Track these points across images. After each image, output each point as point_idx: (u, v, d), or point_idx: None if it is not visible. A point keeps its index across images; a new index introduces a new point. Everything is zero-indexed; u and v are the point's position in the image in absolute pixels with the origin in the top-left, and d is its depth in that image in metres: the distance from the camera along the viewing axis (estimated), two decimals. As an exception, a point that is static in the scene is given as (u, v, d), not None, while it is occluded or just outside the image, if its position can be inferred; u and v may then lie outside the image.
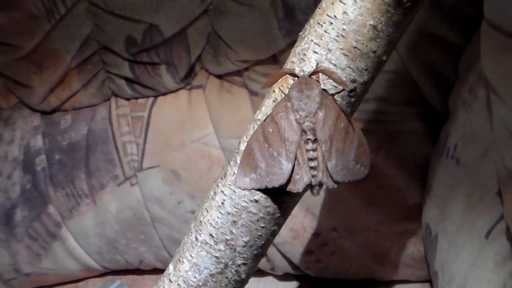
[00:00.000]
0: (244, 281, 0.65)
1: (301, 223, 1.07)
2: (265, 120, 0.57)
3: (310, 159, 0.55)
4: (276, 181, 0.56)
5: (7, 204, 1.25)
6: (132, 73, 1.16)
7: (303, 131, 0.55)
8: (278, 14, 0.98)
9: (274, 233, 0.63)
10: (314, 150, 0.55)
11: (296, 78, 0.55)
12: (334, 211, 1.05)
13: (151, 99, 1.19)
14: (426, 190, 0.98)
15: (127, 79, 1.18)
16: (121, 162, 1.20)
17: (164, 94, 1.18)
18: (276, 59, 1.03)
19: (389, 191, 1.02)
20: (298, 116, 0.54)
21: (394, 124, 0.98)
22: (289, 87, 0.56)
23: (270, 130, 0.56)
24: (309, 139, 0.54)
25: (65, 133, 1.25)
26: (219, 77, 1.12)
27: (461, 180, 0.84)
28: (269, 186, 0.57)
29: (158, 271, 1.28)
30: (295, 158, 0.55)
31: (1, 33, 1.14)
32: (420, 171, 1.01)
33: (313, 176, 0.55)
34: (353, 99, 0.58)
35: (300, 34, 0.59)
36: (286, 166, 0.55)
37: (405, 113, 0.98)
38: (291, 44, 0.99)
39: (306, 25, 0.58)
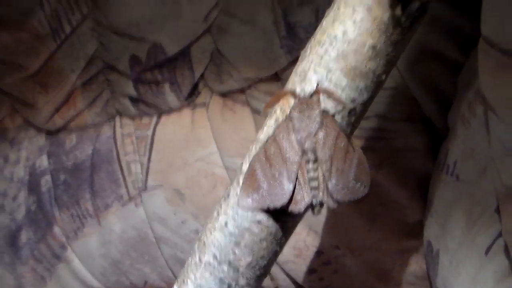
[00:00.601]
0: (247, 301, 0.66)
1: (304, 242, 1.07)
2: (267, 140, 0.57)
3: (311, 179, 0.55)
4: (278, 202, 0.56)
5: (12, 225, 1.26)
6: (136, 92, 1.17)
7: (304, 152, 0.55)
8: (280, 32, 0.99)
9: (276, 253, 0.63)
10: (315, 170, 0.55)
11: (297, 99, 0.55)
12: (336, 229, 1.06)
13: (155, 118, 1.20)
14: (427, 207, 0.98)
15: (131, 98, 1.19)
16: (125, 182, 1.20)
17: (168, 112, 1.19)
18: (279, 77, 1.04)
19: (390, 208, 1.02)
20: (299, 137, 0.55)
21: (395, 141, 0.99)
22: (290, 107, 0.57)
23: (272, 150, 0.56)
24: (310, 159, 0.55)
25: (70, 153, 1.25)
26: (222, 95, 1.13)
27: (461, 197, 0.84)
28: (271, 206, 0.57)
29: (163, 292, 1.28)
30: (296, 178, 0.56)
31: (7, 53, 1.15)
32: (421, 188, 1.01)
33: (314, 196, 0.56)
34: (353, 118, 0.59)
35: (301, 53, 0.60)
36: (288, 186, 0.56)
37: (405, 130, 0.99)
38: (293, 62, 1.00)
39: (307, 45, 0.59)
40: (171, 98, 1.15)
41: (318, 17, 0.95)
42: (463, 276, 0.78)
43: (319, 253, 1.07)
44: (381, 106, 0.96)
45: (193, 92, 1.15)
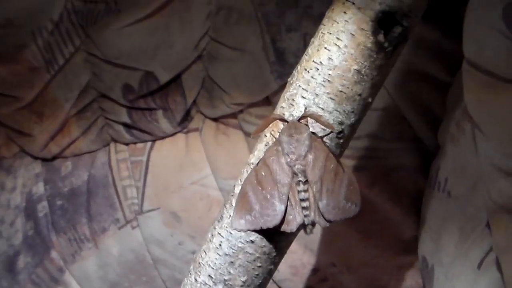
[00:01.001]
0: (244, 321, 0.67)
1: (300, 260, 1.09)
2: (257, 164, 0.59)
3: (302, 200, 0.57)
4: (270, 222, 0.58)
5: (10, 251, 1.26)
6: (130, 119, 1.19)
7: (294, 173, 0.57)
8: (269, 57, 1.01)
9: (271, 272, 0.64)
10: (305, 191, 0.57)
11: (286, 123, 0.57)
12: (332, 247, 1.07)
13: (149, 143, 1.22)
14: (421, 223, 1.00)
15: (125, 125, 1.21)
16: (121, 206, 1.22)
17: (162, 138, 1.21)
18: (269, 100, 1.06)
19: (385, 225, 1.03)
20: (288, 159, 0.57)
21: (387, 160, 1.00)
22: (279, 131, 0.58)
23: (263, 173, 0.58)
24: (300, 180, 0.57)
25: (66, 179, 1.27)
26: (215, 120, 1.15)
27: (453, 213, 0.86)
28: (264, 227, 0.58)
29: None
30: (288, 199, 0.57)
31: (3, 85, 1.17)
32: (414, 205, 1.03)
33: (305, 216, 0.57)
34: (341, 140, 0.60)
35: (288, 80, 0.62)
36: (279, 207, 0.57)
37: (396, 149, 1.00)
38: (283, 86, 1.01)
39: (293, 71, 0.61)
40: (164, 124, 1.17)
41: (306, 42, 0.97)
42: (458, 289, 0.80)
43: (315, 270, 1.08)
44: (372, 126, 0.98)
45: (186, 117, 1.17)
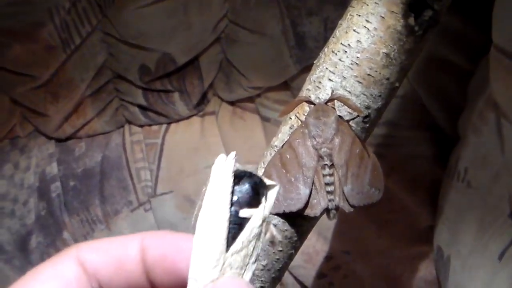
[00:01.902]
0: (262, 305, 0.66)
1: (313, 247, 1.08)
2: (282, 146, 0.58)
3: (327, 184, 0.56)
4: (294, 206, 0.57)
5: (22, 230, 1.26)
6: (146, 101, 1.18)
7: (320, 157, 0.56)
8: (289, 42, 1.00)
9: (291, 257, 0.64)
10: (330, 175, 0.56)
11: (313, 106, 0.56)
12: (346, 235, 1.06)
13: (164, 126, 1.21)
14: (437, 213, 0.99)
15: (140, 107, 1.20)
16: (135, 188, 1.21)
17: (177, 121, 1.20)
18: (288, 85, 1.05)
19: (400, 214, 1.03)
20: (315, 142, 0.56)
21: (404, 148, 1.00)
22: (306, 114, 0.57)
23: (288, 156, 0.57)
24: (326, 164, 0.56)
25: (80, 160, 1.27)
26: (232, 103, 1.14)
27: (473, 203, 0.85)
28: (287, 210, 0.58)
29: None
30: (312, 183, 0.56)
31: (19, 64, 1.17)
32: (430, 194, 1.02)
33: (330, 200, 0.56)
34: (367, 125, 0.60)
35: (315, 62, 0.61)
36: (304, 191, 0.57)
37: (415, 137, 1.00)
38: (302, 70, 1.02)
39: (320, 54, 0.60)
40: (180, 107, 1.17)
41: (326, 27, 0.97)
42: (477, 281, 0.79)
43: (328, 258, 1.08)
44: (390, 114, 0.97)
45: (203, 100, 1.16)
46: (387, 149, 0.99)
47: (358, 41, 0.57)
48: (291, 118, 0.60)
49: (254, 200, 0.40)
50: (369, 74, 0.57)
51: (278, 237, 0.60)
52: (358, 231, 1.05)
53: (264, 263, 0.61)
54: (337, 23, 0.59)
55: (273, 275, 0.63)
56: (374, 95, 0.58)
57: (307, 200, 0.57)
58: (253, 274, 0.40)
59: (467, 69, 0.95)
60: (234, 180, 0.39)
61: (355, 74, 0.57)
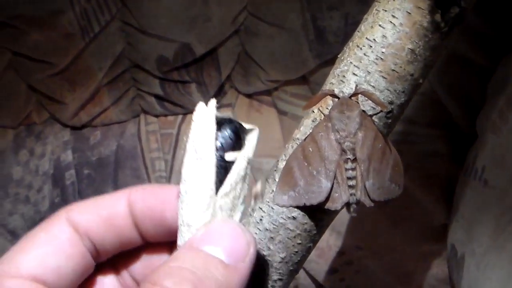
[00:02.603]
0: (278, 297, 0.66)
1: (326, 241, 1.08)
2: (305, 139, 0.58)
3: (349, 178, 0.56)
4: (315, 199, 0.57)
5: (36, 217, 1.27)
6: (163, 91, 1.18)
7: (343, 151, 0.56)
8: (309, 36, 1.00)
9: (309, 250, 0.64)
10: (353, 169, 0.56)
11: (337, 99, 0.56)
12: (360, 230, 1.06)
13: (180, 116, 1.21)
14: (452, 211, 0.99)
15: (157, 97, 1.20)
16: (149, 178, 1.22)
17: (194, 111, 1.20)
18: (306, 79, 1.05)
19: (415, 211, 1.03)
20: (338, 136, 0.56)
21: (421, 145, 0.99)
22: (329, 108, 0.57)
23: (310, 149, 0.57)
24: (349, 158, 0.56)
25: (95, 149, 1.27)
26: (249, 96, 1.14)
27: (489, 202, 0.84)
28: (308, 204, 0.58)
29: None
30: (334, 177, 0.56)
31: (37, 51, 1.17)
32: (445, 192, 1.02)
33: (351, 194, 0.56)
34: (389, 121, 0.59)
35: (339, 56, 0.61)
36: (325, 184, 0.57)
37: (431, 135, 1.00)
38: (321, 65, 1.02)
39: (345, 48, 0.60)
40: (197, 98, 1.17)
41: (347, 22, 0.96)
42: (493, 281, 0.78)
43: (341, 253, 1.08)
44: (407, 110, 0.96)
45: (219, 92, 1.17)
46: (403, 146, 0.99)
47: (384, 36, 0.56)
48: (313, 112, 0.60)
49: (236, 144, 0.42)
50: (393, 70, 0.57)
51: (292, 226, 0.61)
52: (372, 226, 1.05)
53: (282, 255, 0.62)
54: (358, 19, 0.59)
55: (291, 268, 0.63)
56: (397, 91, 0.58)
57: (328, 194, 0.57)
58: (242, 214, 0.41)
59: (486, 67, 0.94)
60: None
61: (379, 69, 0.57)
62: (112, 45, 1.17)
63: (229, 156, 0.42)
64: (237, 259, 0.39)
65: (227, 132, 0.42)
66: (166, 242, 0.49)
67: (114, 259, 0.49)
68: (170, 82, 1.17)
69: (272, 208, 0.61)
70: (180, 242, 0.43)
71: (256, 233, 0.62)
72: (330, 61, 1.00)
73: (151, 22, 1.11)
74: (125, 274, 0.50)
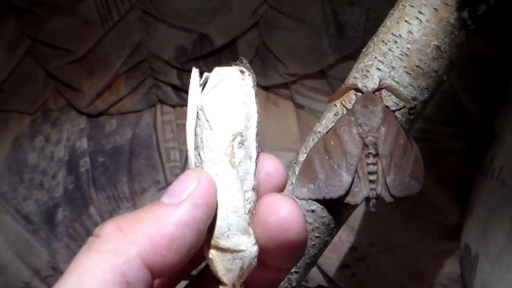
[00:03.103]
0: (294, 289, 0.67)
1: (339, 237, 1.08)
2: (326, 133, 0.58)
3: (370, 173, 0.56)
4: (335, 193, 0.57)
5: (50, 203, 1.28)
6: (180, 81, 1.18)
7: (365, 145, 0.56)
8: (329, 30, 0.99)
9: (326, 243, 0.64)
10: (374, 164, 0.56)
11: (360, 94, 0.56)
12: (373, 226, 1.06)
13: (196, 107, 1.21)
14: (467, 210, 0.99)
15: (174, 87, 1.20)
16: (163, 168, 1.22)
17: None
18: (324, 73, 1.05)
19: (429, 209, 1.02)
20: (361, 131, 0.56)
21: (438, 143, 0.99)
22: (352, 102, 0.57)
23: (332, 143, 0.57)
24: (371, 153, 0.56)
25: (110, 137, 1.27)
26: (266, 89, 1.14)
27: (506, 202, 0.84)
28: (327, 197, 0.58)
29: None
30: (355, 171, 0.57)
31: (57, 38, 1.17)
32: (460, 191, 1.01)
33: (371, 189, 0.56)
34: (412, 117, 0.60)
35: (363, 50, 0.61)
36: (346, 178, 0.57)
37: (449, 133, 0.99)
38: (340, 60, 1.01)
39: (369, 43, 0.60)
40: (214, 89, 1.17)
41: (368, 17, 0.96)
42: (508, 281, 0.78)
43: (353, 249, 1.08)
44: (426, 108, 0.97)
45: (237, 84, 1.16)
46: (419, 143, 0.98)
47: (409, 32, 0.56)
48: (336, 105, 0.60)
49: None
50: (418, 66, 0.57)
51: (315, 223, 0.61)
52: (385, 223, 1.05)
53: (299, 248, 0.62)
54: (378, 14, 0.59)
55: (307, 261, 0.64)
56: (421, 87, 0.58)
57: (348, 188, 0.57)
58: (216, 161, 0.40)
59: (507, 66, 0.94)
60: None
61: (404, 65, 0.57)
62: (130, 34, 1.18)
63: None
64: (175, 196, 0.37)
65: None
66: None
67: None
68: (187, 73, 1.17)
69: (291, 200, 0.61)
70: None
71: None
72: (349, 56, 1.00)
73: (171, 12, 1.11)
74: None
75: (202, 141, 0.39)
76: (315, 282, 1.18)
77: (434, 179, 1.00)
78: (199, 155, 0.40)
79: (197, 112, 0.41)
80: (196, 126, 0.41)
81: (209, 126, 0.39)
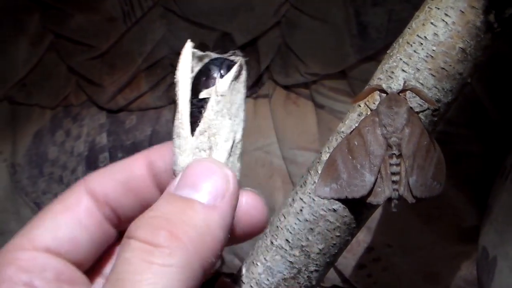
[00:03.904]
0: (314, 288, 0.67)
1: (356, 237, 1.08)
2: (350, 133, 0.59)
3: (393, 174, 0.57)
4: (357, 193, 0.58)
5: (69, 197, 1.29)
6: (200, 79, 1.19)
7: (389, 146, 0.56)
8: (351, 30, 1.00)
9: (347, 243, 0.65)
10: (397, 165, 0.56)
11: (385, 95, 0.57)
12: (390, 227, 1.06)
13: (216, 105, 1.22)
14: (486, 213, 0.99)
15: (194, 84, 1.21)
16: (182, 165, 1.22)
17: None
18: (345, 74, 1.05)
19: (446, 211, 1.02)
20: (385, 131, 0.56)
21: (457, 145, 0.99)
22: (376, 102, 0.58)
23: (356, 143, 0.58)
24: (394, 154, 0.56)
25: (130, 133, 1.28)
26: (286, 88, 1.15)
27: (526, 206, 0.84)
28: (350, 197, 0.58)
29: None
30: (379, 171, 0.57)
31: (79, 33, 1.19)
32: (478, 194, 1.01)
33: (394, 190, 0.57)
34: (435, 118, 0.60)
35: (388, 52, 0.61)
36: (369, 178, 0.57)
37: (467, 135, 0.99)
38: (362, 61, 1.02)
39: (394, 44, 0.61)
40: (235, 87, 1.17)
41: (391, 19, 0.96)
42: (527, 284, 0.78)
43: (369, 249, 1.08)
44: (446, 110, 0.97)
45: (257, 83, 1.17)
46: (439, 145, 0.99)
47: (435, 34, 0.57)
48: (360, 106, 0.61)
49: (210, 81, 0.41)
50: (443, 68, 0.57)
51: (336, 222, 0.61)
52: (402, 224, 1.05)
53: (320, 247, 0.62)
54: (402, 16, 0.59)
55: (327, 260, 0.64)
56: (445, 89, 0.58)
57: (371, 188, 0.57)
58: (229, 152, 0.40)
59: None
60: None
61: (429, 67, 0.57)
62: (152, 30, 1.19)
63: (202, 94, 0.42)
64: (215, 197, 0.38)
65: (199, 71, 0.42)
66: None
67: None
68: (208, 71, 1.18)
69: (313, 199, 0.62)
70: None
71: (295, 223, 0.63)
72: (370, 57, 1.00)
73: (193, 10, 1.12)
74: None
75: (215, 127, 0.39)
76: (330, 281, 1.18)
77: (452, 181, 1.00)
78: (209, 138, 0.39)
79: (191, 85, 0.40)
80: (204, 109, 0.40)
81: (227, 114, 0.39)
